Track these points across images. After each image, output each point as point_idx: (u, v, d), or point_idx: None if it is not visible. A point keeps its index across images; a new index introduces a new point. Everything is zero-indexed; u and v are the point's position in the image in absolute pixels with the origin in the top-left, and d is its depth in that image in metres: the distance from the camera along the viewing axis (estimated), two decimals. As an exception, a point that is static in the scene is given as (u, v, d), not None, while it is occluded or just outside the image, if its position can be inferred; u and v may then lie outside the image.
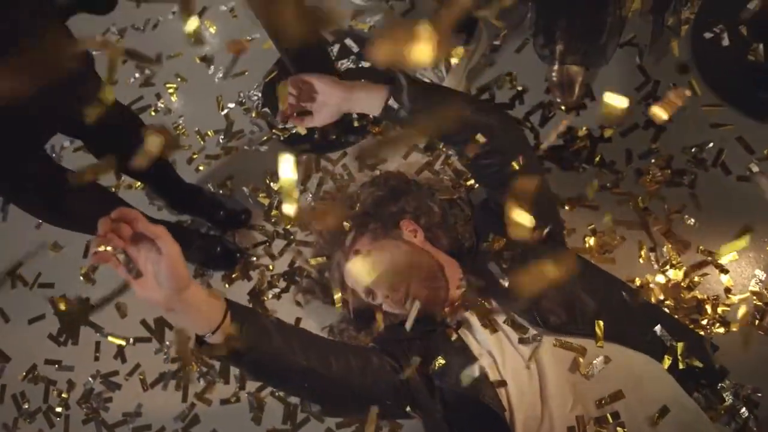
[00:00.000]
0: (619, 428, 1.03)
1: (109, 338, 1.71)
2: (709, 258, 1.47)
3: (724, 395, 1.20)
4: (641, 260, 1.52)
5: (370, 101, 1.21)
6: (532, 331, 1.15)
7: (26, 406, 1.77)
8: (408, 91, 1.15)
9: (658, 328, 1.17)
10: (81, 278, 1.88)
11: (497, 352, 1.16)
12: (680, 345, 1.16)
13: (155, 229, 0.87)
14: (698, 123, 1.59)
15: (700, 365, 1.16)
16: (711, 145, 1.58)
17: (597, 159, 1.63)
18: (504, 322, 1.18)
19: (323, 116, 1.25)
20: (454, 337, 1.20)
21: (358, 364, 1.14)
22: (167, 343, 1.71)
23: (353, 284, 1.39)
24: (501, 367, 1.14)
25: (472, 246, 1.45)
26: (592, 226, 1.56)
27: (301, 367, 1.05)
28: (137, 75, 2.16)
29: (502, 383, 1.12)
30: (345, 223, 1.46)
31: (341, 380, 1.10)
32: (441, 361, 1.18)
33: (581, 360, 1.11)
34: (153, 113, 2.09)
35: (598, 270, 1.30)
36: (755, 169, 1.52)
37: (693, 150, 1.59)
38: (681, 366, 1.15)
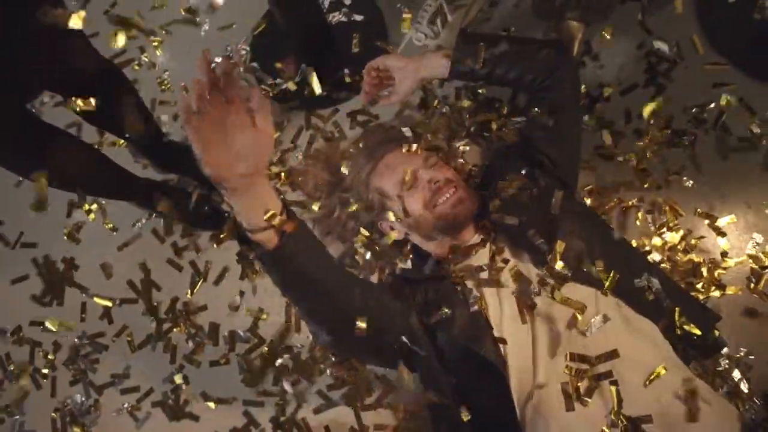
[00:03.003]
0: (612, 387, 1.02)
1: (95, 299, 1.67)
2: (707, 220, 1.45)
3: (720, 360, 1.20)
4: (638, 222, 1.50)
5: (437, 65, 1.32)
6: (534, 286, 1.14)
7: (11, 368, 1.74)
8: (471, 49, 1.26)
9: (656, 282, 1.16)
10: (65, 238, 1.83)
11: (497, 305, 1.15)
12: (677, 309, 1.14)
13: (262, 101, 0.85)
14: (700, 83, 1.55)
15: (698, 332, 1.15)
16: (712, 105, 1.54)
17: (595, 119, 1.60)
18: (510, 271, 1.16)
19: (405, 89, 1.38)
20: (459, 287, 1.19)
21: (373, 301, 1.12)
22: (155, 303, 1.68)
23: (391, 170, 1.31)
24: (500, 320, 1.14)
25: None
26: (589, 186, 1.54)
27: (333, 287, 1.04)
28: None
29: (502, 340, 1.11)
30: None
31: (360, 312, 1.07)
32: (446, 311, 1.17)
33: (579, 317, 1.09)
34: (137, 67, 2.00)
35: (603, 221, 1.33)
36: (756, 130, 1.49)
37: (694, 110, 1.55)
38: (678, 332, 1.14)
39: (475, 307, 1.15)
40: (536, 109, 1.29)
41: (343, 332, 1.11)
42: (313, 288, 1.03)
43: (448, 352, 1.17)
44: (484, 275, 1.18)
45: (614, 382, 1.02)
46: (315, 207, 1.50)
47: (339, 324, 1.11)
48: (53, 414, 1.65)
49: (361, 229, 1.34)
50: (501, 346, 1.11)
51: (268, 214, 0.91)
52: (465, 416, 1.13)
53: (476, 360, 1.12)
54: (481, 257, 1.23)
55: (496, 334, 1.13)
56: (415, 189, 1.26)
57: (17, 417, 1.69)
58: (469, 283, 1.19)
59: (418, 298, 1.22)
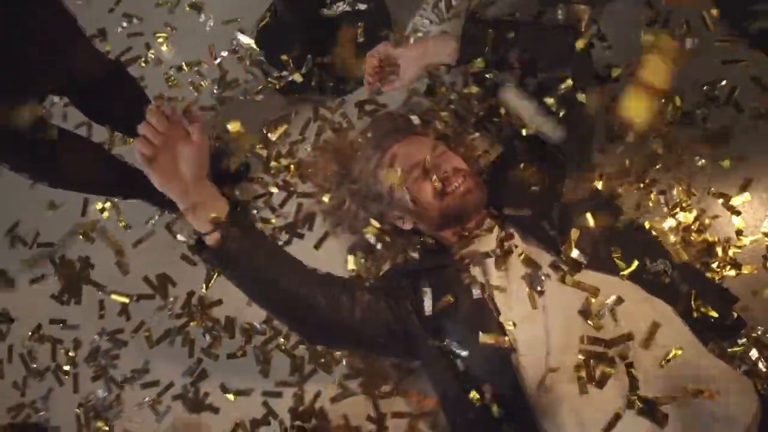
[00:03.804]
0: (627, 369, 1.02)
1: (112, 296, 1.70)
2: (721, 200, 1.44)
3: (737, 340, 1.19)
4: (650, 203, 1.49)
5: (444, 51, 1.28)
6: (545, 269, 1.13)
7: (34, 365, 1.77)
8: (480, 36, 1.23)
9: (669, 267, 1.15)
10: (80, 237, 1.86)
11: (507, 291, 1.15)
12: (693, 292, 1.14)
13: (194, 117, 1.05)
14: (711, 59, 1.53)
15: (715, 315, 1.14)
16: (724, 82, 1.52)
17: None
18: (519, 256, 1.16)
19: (410, 75, 1.35)
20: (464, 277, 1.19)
21: (347, 299, 1.19)
22: (171, 299, 1.70)
23: (408, 157, 1.30)
24: (509, 307, 1.13)
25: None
26: (600, 170, 1.52)
27: (285, 287, 1.13)
28: (125, 24, 2.08)
29: (510, 324, 1.11)
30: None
31: (325, 311, 1.16)
32: (450, 299, 1.18)
33: (593, 300, 1.09)
34: (143, 64, 2.01)
35: (616, 206, 1.33)
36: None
37: (705, 87, 1.53)
38: (695, 315, 1.13)
39: (478, 293, 1.15)
40: (549, 99, 1.26)
41: (310, 331, 1.26)
42: (267, 287, 1.14)
43: (455, 339, 1.17)
44: (491, 261, 1.18)
45: (629, 364, 1.02)
46: (325, 198, 1.51)
47: (304, 325, 1.24)
48: (77, 410, 1.69)
49: (372, 220, 1.34)
50: (511, 331, 1.11)
51: (212, 215, 1.05)
52: (476, 399, 1.14)
53: (482, 347, 1.12)
54: (488, 243, 1.22)
55: (505, 319, 1.12)
56: (423, 179, 1.26)
57: (42, 413, 1.72)
58: (475, 270, 1.19)
59: (423, 287, 1.22)
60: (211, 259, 1.11)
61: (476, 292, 1.15)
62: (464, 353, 1.17)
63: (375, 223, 1.34)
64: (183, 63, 1.96)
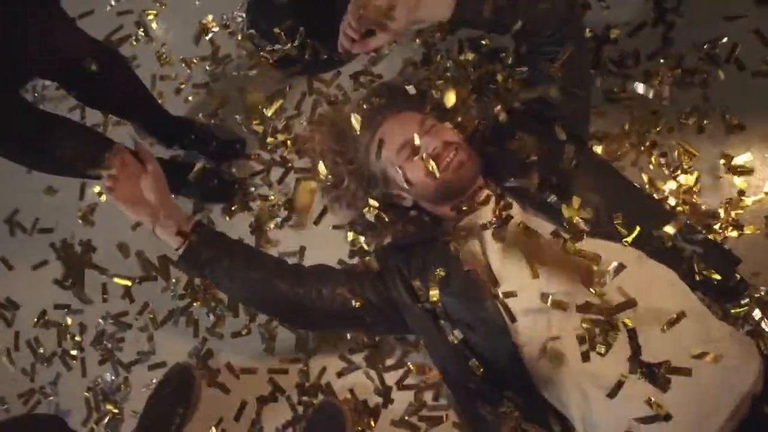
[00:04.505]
0: (629, 335, 1.01)
1: (115, 279, 1.70)
2: (722, 160, 1.42)
3: (741, 302, 1.19)
4: (651, 166, 1.47)
5: (439, 5, 1.16)
6: (546, 237, 1.12)
7: (41, 351, 1.78)
8: None
9: (673, 230, 1.14)
10: (79, 221, 1.85)
11: (504, 262, 1.14)
12: (696, 255, 1.13)
13: (145, 151, 1.27)
14: (710, 16, 1.49)
15: (718, 277, 1.13)
16: (725, 40, 1.49)
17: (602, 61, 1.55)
18: (518, 225, 1.14)
19: (398, 25, 1.15)
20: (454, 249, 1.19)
21: (325, 289, 1.26)
22: (173, 280, 1.70)
23: (398, 132, 1.27)
24: (507, 277, 1.13)
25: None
26: (600, 132, 1.51)
27: (255, 285, 1.26)
28: (113, 3, 2.04)
29: (509, 294, 1.10)
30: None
31: (300, 300, 1.25)
32: (441, 272, 1.18)
33: (595, 268, 1.08)
34: (134, 42, 1.98)
35: (616, 171, 1.30)
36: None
37: (705, 46, 1.50)
38: (697, 277, 1.13)
39: (468, 266, 1.15)
40: (544, 61, 1.23)
41: (293, 320, 1.40)
42: (239, 286, 1.27)
43: (451, 311, 1.18)
44: (488, 232, 1.17)
45: (632, 331, 1.02)
46: (321, 173, 1.48)
47: (277, 313, 1.38)
48: (86, 393, 1.71)
49: (370, 200, 1.33)
50: (509, 301, 1.10)
51: (178, 230, 1.23)
52: (476, 368, 1.16)
53: (477, 317, 1.13)
54: (487, 214, 1.20)
55: (501, 289, 1.12)
56: (414, 158, 1.23)
57: (52, 398, 1.74)
58: (474, 242, 1.19)
59: (416, 263, 1.22)
60: (184, 269, 1.29)
61: (468, 265, 1.15)
62: (460, 325, 1.17)
63: (374, 202, 1.33)
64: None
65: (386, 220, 1.33)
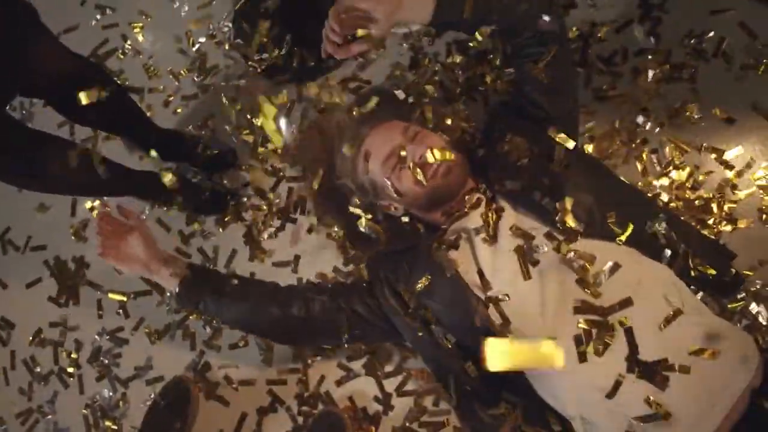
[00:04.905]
0: (626, 334, 1.01)
1: (110, 295, 1.69)
2: (714, 155, 1.42)
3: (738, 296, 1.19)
4: (643, 164, 1.47)
5: (419, 9, 1.13)
6: (539, 239, 1.12)
7: (38, 370, 1.77)
8: None
9: (666, 227, 1.14)
10: (72, 237, 1.84)
11: (496, 265, 1.14)
12: (690, 251, 1.13)
13: (128, 212, 1.35)
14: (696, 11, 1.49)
15: (713, 272, 1.13)
16: (711, 34, 1.49)
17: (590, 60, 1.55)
18: (510, 229, 1.14)
19: (379, 30, 1.12)
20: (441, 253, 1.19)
21: (316, 307, 1.30)
22: (168, 293, 1.69)
23: (378, 144, 1.27)
24: (499, 281, 1.12)
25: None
26: (590, 129, 1.50)
27: (248, 315, 1.33)
28: (98, 17, 2.03)
29: (498, 299, 1.11)
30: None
31: (294, 324, 1.31)
32: (425, 280, 1.19)
33: (589, 267, 1.08)
34: (121, 56, 1.97)
35: (608, 170, 1.30)
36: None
37: (692, 41, 1.50)
38: (692, 273, 1.12)
39: (452, 271, 1.15)
40: (527, 63, 1.22)
41: (289, 341, 1.48)
42: (236, 317, 1.35)
43: (441, 317, 1.19)
44: (480, 236, 1.16)
45: (629, 330, 1.02)
46: (315, 184, 1.48)
47: (274, 337, 1.44)
48: (84, 410, 1.69)
49: (362, 213, 1.34)
50: (503, 305, 1.10)
51: (169, 271, 1.30)
52: (472, 370, 1.16)
53: (467, 322, 1.14)
54: (477, 219, 1.19)
55: (494, 293, 1.12)
56: (401, 168, 1.22)
57: (50, 417, 1.73)
58: (464, 246, 1.19)
59: (403, 271, 1.24)
60: (180, 306, 1.44)
61: (450, 271, 1.15)
62: (452, 330, 1.18)
63: (366, 215, 1.34)
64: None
65: (379, 230, 1.33)
